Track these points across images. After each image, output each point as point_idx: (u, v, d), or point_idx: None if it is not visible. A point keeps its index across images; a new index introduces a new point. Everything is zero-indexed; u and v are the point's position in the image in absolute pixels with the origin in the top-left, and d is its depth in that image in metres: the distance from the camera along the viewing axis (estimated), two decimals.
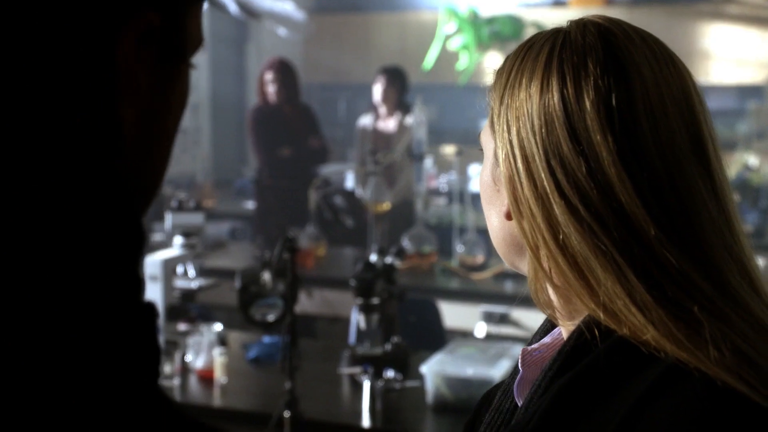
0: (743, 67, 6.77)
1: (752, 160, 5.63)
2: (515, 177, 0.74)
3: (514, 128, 0.74)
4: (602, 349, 0.70)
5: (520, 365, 0.81)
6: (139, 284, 0.48)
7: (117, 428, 0.44)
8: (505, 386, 0.84)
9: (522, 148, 0.73)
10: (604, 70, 0.71)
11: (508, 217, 0.76)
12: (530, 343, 0.84)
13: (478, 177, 0.84)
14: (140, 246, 0.50)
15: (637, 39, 0.73)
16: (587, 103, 0.70)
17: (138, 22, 0.48)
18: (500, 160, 0.76)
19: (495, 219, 0.80)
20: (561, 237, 0.71)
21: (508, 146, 0.74)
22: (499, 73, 0.79)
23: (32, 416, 0.42)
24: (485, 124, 0.81)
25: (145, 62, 0.49)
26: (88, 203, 0.47)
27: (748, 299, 0.70)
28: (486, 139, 0.81)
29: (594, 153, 0.70)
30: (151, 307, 0.49)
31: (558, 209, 0.71)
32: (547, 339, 0.83)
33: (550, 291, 0.75)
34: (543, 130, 0.72)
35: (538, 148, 0.72)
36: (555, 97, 0.72)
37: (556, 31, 0.76)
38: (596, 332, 0.70)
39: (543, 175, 0.71)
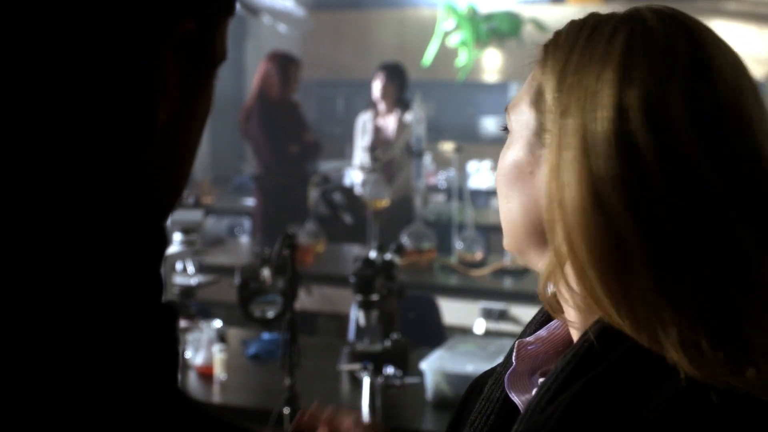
0: None
1: None
2: (562, 165, 0.68)
3: (577, 114, 0.68)
4: (619, 357, 0.67)
5: (514, 358, 0.78)
6: (159, 285, 0.49)
7: (138, 427, 0.44)
8: (496, 375, 0.82)
9: (582, 136, 0.67)
10: (690, 65, 0.67)
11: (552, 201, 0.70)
12: (523, 335, 0.82)
13: (501, 156, 0.77)
14: (162, 248, 0.50)
15: (720, 42, 0.71)
16: (672, 98, 0.66)
17: (176, 29, 0.49)
18: (548, 144, 0.71)
19: (518, 203, 0.74)
20: (605, 240, 0.66)
21: (563, 131, 0.69)
22: (554, 49, 0.73)
23: (53, 417, 0.43)
24: (517, 100, 0.76)
25: (177, 68, 0.50)
26: (114, 204, 0.48)
27: None
28: (521, 117, 0.75)
29: (678, 152, 0.65)
30: (171, 307, 0.49)
31: (613, 207, 0.66)
32: (542, 332, 0.80)
33: (564, 291, 0.72)
34: (614, 121, 0.66)
35: (605, 139, 0.66)
36: (635, 86, 0.67)
37: (630, 16, 0.71)
38: (611, 337, 0.68)
39: (601, 165, 0.66)
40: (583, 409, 0.67)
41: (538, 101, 0.73)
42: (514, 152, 0.75)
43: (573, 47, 0.71)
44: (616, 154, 0.66)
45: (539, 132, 0.72)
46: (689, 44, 0.69)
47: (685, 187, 0.65)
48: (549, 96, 0.71)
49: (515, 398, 0.78)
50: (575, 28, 0.73)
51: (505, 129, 0.77)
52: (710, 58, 0.69)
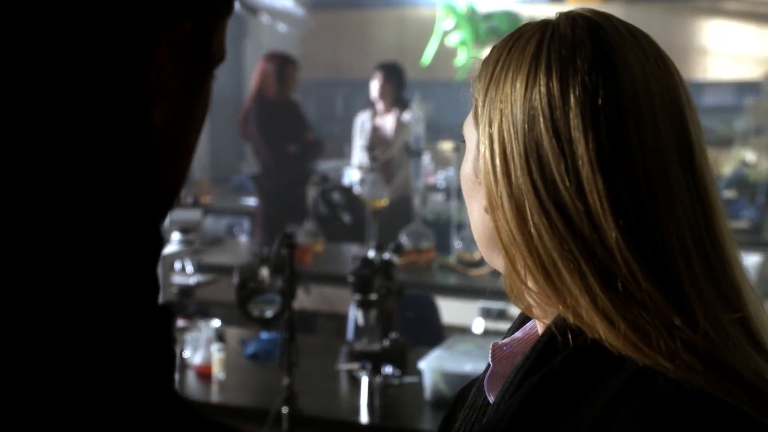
0: (741, 63, 6.77)
1: (749, 156, 5.64)
2: (492, 173, 0.72)
3: (496, 122, 0.72)
4: (572, 350, 0.69)
5: (490, 360, 0.80)
6: (155, 287, 0.49)
7: (133, 429, 0.44)
8: (479, 382, 0.83)
9: (502, 143, 0.71)
10: (593, 66, 0.69)
11: (487, 211, 0.74)
12: (504, 338, 0.83)
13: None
14: (159, 249, 0.50)
15: (627, 35, 0.71)
16: (572, 100, 0.68)
17: (174, 29, 0.49)
18: (480, 154, 0.74)
19: (476, 212, 0.78)
20: (531, 238, 0.69)
21: (488, 140, 0.73)
22: (485, 63, 0.77)
23: (49, 418, 0.43)
24: (469, 115, 0.79)
25: (175, 68, 0.50)
26: (111, 206, 0.48)
27: (713, 319, 0.67)
28: (469, 131, 0.79)
29: (571, 151, 0.68)
30: (167, 309, 0.49)
31: (530, 209, 0.69)
32: (518, 334, 0.82)
33: (523, 288, 0.74)
34: (525, 126, 0.70)
35: (518, 143, 0.70)
36: (540, 91, 0.70)
37: (545, 24, 0.74)
38: (568, 330, 0.69)
39: (519, 172, 0.70)
40: (537, 402, 0.69)
41: (475, 114, 0.76)
42: (466, 165, 0.79)
43: (498, 59, 0.75)
44: (527, 163, 0.69)
45: (478, 143, 0.75)
46: (594, 45, 0.70)
47: (580, 186, 0.68)
48: (479, 109, 0.75)
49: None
50: (504, 40, 0.76)
51: (464, 142, 0.81)
52: (616, 57, 0.69)
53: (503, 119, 0.72)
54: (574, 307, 0.68)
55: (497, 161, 0.71)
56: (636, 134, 0.68)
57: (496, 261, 0.78)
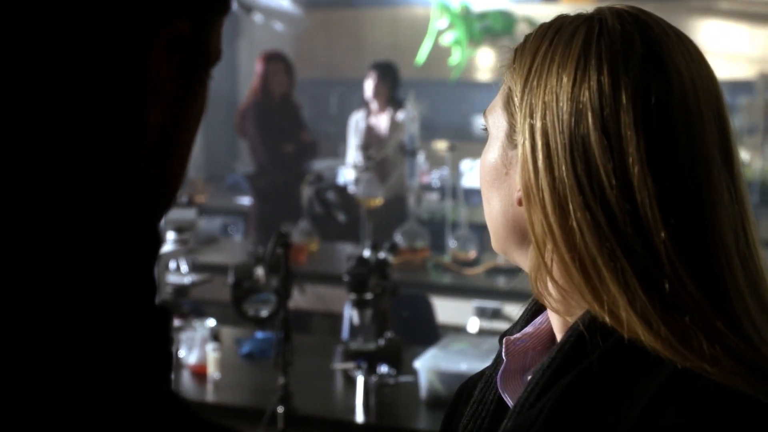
0: (734, 62, 6.78)
1: (743, 155, 5.65)
2: (532, 165, 0.70)
3: (539, 114, 0.70)
4: (608, 348, 0.68)
5: (504, 355, 0.79)
6: (153, 288, 0.49)
7: (131, 429, 0.44)
8: (486, 377, 0.82)
9: (545, 135, 0.70)
10: (644, 65, 0.68)
11: (520, 203, 0.73)
12: (511, 332, 0.82)
13: (481, 158, 0.79)
14: (156, 250, 0.50)
15: (672, 35, 0.71)
16: (623, 97, 0.67)
17: (170, 29, 0.49)
18: (518, 145, 0.72)
19: (498, 203, 0.77)
20: (572, 234, 0.68)
21: (528, 132, 0.71)
22: (522, 53, 0.75)
23: (45, 419, 0.43)
24: (494, 103, 0.78)
25: (172, 68, 0.50)
26: (108, 206, 0.48)
27: (755, 323, 0.67)
28: (496, 120, 0.77)
29: (621, 149, 0.67)
30: (164, 310, 0.49)
31: (573, 204, 0.68)
32: (529, 328, 0.81)
33: (550, 285, 0.73)
34: (571, 120, 0.68)
35: (563, 137, 0.69)
36: (590, 86, 0.68)
37: (589, 17, 0.72)
38: (597, 331, 0.69)
39: (563, 166, 0.68)
40: (573, 403, 0.67)
41: (508, 104, 0.75)
42: (491, 154, 0.77)
43: (537, 50, 0.73)
44: (571, 158, 0.68)
45: (510, 134, 0.74)
46: (644, 43, 0.69)
47: (627, 185, 0.67)
48: (516, 99, 0.73)
49: (508, 399, 0.78)
50: (542, 30, 0.75)
51: (485, 130, 0.79)
52: (665, 56, 0.69)
53: (547, 112, 0.70)
54: (610, 307, 0.67)
55: (539, 154, 0.70)
56: (685, 135, 0.68)
57: (514, 254, 0.77)
